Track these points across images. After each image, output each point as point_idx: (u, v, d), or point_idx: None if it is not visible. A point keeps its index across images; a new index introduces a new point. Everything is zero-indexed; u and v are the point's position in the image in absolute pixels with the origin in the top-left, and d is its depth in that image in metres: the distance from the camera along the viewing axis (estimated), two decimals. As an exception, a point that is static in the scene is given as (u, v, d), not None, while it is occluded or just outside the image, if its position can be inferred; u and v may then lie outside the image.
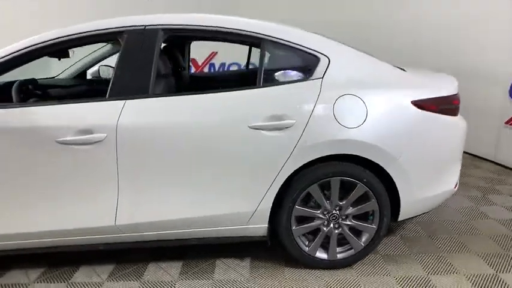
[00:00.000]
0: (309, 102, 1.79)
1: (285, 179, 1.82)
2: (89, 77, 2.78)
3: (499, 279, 1.90)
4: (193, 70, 5.74)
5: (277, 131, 1.76)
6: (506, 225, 2.43)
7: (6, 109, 1.72)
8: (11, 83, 2.13)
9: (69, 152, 1.70)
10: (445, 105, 1.93)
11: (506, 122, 3.47)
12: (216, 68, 5.95)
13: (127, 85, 1.75)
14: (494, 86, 3.54)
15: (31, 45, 1.74)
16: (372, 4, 4.77)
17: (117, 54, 1.82)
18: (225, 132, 1.76)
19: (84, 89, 2.60)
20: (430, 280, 1.90)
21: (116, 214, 1.81)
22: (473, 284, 1.87)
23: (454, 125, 1.97)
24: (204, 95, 1.80)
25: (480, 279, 1.90)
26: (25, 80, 2.19)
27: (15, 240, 1.82)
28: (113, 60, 2.05)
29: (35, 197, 1.76)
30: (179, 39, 2.69)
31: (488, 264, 2.02)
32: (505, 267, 1.99)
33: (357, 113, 1.80)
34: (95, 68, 2.70)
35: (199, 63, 5.89)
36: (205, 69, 5.96)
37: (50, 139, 1.68)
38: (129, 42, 1.79)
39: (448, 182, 2.03)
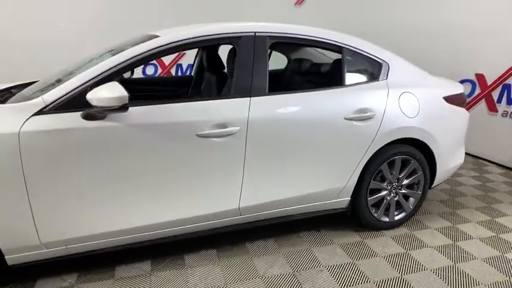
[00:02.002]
0: (383, 98, 2.30)
1: (367, 160, 2.29)
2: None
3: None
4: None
5: (363, 121, 2.22)
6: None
7: (149, 106, 1.80)
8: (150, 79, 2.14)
9: (207, 144, 1.88)
10: (460, 100, 2.65)
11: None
12: (184, 69, 5.98)
13: (249, 84, 2.00)
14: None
15: (166, 44, 1.87)
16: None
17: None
18: (327, 123, 2.15)
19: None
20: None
21: (239, 198, 2.04)
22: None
23: (464, 114, 2.70)
24: (307, 92, 2.16)
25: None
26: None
27: (156, 230, 1.94)
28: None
29: (175, 188, 1.89)
30: (278, 45, 2.83)
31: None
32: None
33: (413, 106, 2.38)
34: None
35: (166, 64, 5.88)
36: (172, 70, 5.97)
37: (191, 133, 1.84)
38: (243, 47, 2.03)
39: (460, 156, 2.77)
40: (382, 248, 2.32)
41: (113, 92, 1.59)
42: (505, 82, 3.85)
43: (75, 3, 4.77)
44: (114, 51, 2.34)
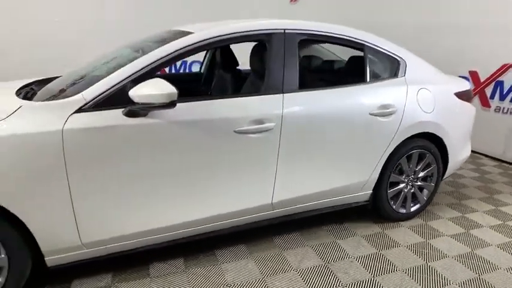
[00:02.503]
0: (403, 94, 2.38)
1: (389, 154, 2.38)
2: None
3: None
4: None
5: (386, 116, 2.30)
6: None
7: (189, 103, 1.79)
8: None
9: (243, 140, 1.90)
10: (468, 96, 2.78)
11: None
12: (177, 66, 5.90)
13: (281, 81, 2.03)
14: None
15: (203, 40, 1.87)
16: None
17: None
18: (354, 118, 2.21)
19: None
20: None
21: (273, 193, 2.07)
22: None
23: (471, 110, 2.83)
24: (334, 89, 2.21)
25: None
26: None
27: (192, 227, 1.94)
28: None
29: (213, 185, 1.90)
30: (305, 42, 2.83)
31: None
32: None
33: (429, 102, 2.48)
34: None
35: None
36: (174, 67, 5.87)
37: (229, 129, 1.85)
38: (274, 43, 2.06)
39: (468, 149, 2.91)
40: (403, 237, 2.42)
41: (161, 89, 1.58)
42: (497, 79, 4.06)
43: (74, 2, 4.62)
44: (136, 47, 2.33)
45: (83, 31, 4.61)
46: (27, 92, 1.97)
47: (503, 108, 4.04)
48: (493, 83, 4.12)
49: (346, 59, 2.75)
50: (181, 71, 5.67)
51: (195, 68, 5.43)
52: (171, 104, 1.61)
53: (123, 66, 1.74)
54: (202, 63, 3.40)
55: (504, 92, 4.03)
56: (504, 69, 3.99)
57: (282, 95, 2.01)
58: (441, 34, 4.52)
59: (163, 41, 1.96)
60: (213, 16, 5.46)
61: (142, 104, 1.60)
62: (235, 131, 1.87)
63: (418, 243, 2.36)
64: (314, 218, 2.51)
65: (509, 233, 2.52)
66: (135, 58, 1.79)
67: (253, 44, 2.31)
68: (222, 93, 2.63)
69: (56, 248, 1.66)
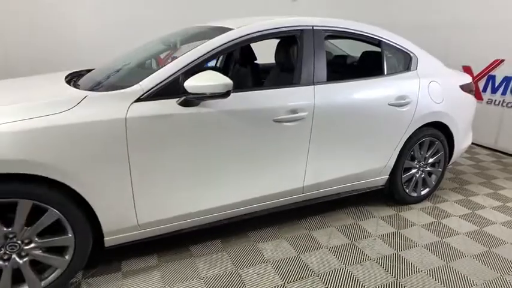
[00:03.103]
0: (416, 86, 2.59)
1: (404, 141, 2.59)
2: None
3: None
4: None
5: (402, 107, 2.50)
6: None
7: (235, 93, 1.92)
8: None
9: (280, 128, 2.05)
10: (470, 88, 3.02)
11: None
12: None
13: (312, 73, 2.19)
14: None
15: (246, 34, 2.01)
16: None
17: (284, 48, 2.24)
18: (375, 108, 2.40)
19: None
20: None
21: (304, 176, 2.24)
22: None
23: (473, 101, 3.07)
24: (357, 81, 2.39)
25: (490, 196, 3.11)
26: None
27: (234, 208, 2.10)
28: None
29: (254, 169, 2.05)
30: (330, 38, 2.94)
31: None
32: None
33: (439, 93, 2.70)
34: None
35: (161, 57, 5.84)
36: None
37: (269, 118, 2.01)
38: (305, 39, 2.22)
39: (470, 138, 3.16)
40: (417, 218, 2.64)
41: (217, 80, 1.71)
42: (489, 73, 4.35)
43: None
44: (169, 42, 2.47)
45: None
46: (74, 82, 2.07)
47: (495, 100, 4.35)
48: (486, 77, 4.41)
49: (348, 54, 2.95)
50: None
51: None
52: (226, 94, 1.75)
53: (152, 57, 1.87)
54: (217, 58, 3.53)
55: (496, 86, 4.32)
56: (495, 64, 4.29)
57: (313, 86, 2.18)
58: (436, 31, 4.78)
59: (197, 36, 2.14)
60: (212, 15, 5.58)
61: (198, 94, 1.73)
62: (274, 120, 2.02)
63: (431, 223, 2.58)
64: (334, 202, 2.70)
65: (510, 213, 2.78)
66: (165, 50, 1.90)
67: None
68: (243, 87, 2.78)
69: (115, 228, 1.78)
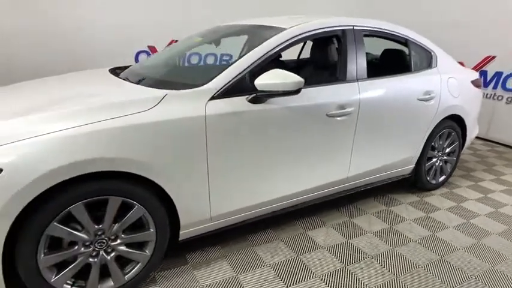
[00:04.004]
0: (438, 82, 2.81)
1: (429, 133, 2.80)
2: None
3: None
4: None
5: (428, 101, 2.71)
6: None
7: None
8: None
9: (332, 122, 2.19)
10: (479, 83, 3.29)
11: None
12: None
13: (355, 70, 2.34)
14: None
15: (299, 34, 2.12)
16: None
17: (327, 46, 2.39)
18: (407, 103, 2.59)
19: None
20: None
21: (349, 167, 2.40)
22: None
23: (480, 95, 3.35)
24: (391, 77, 2.56)
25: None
26: None
27: (292, 198, 2.22)
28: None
29: (310, 161, 2.17)
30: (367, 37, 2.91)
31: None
32: (496, 174, 3.58)
33: (456, 89, 2.94)
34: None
35: (158, 51, 5.83)
36: None
37: (323, 113, 2.13)
38: (348, 38, 2.36)
39: (477, 128, 3.44)
40: (440, 203, 2.87)
41: (289, 78, 1.81)
42: (482, 69, 4.71)
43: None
44: (211, 39, 2.55)
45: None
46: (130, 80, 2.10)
47: (487, 94, 4.71)
48: (478, 72, 4.76)
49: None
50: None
51: (210, 60, 5.56)
52: (297, 91, 1.86)
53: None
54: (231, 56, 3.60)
55: (487, 80, 4.69)
56: (487, 60, 4.64)
57: (357, 83, 2.33)
58: (431, 30, 5.08)
59: (241, 34, 2.21)
60: (213, 14, 5.63)
61: (269, 91, 1.83)
62: (327, 115, 2.16)
63: (453, 207, 2.83)
64: (362, 191, 2.88)
65: (516, 195, 3.10)
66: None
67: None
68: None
69: (191, 221, 1.85)
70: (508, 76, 4.48)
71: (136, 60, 5.51)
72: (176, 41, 5.77)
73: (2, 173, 1.32)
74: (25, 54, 4.31)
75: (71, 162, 1.42)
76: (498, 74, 4.55)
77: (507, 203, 2.93)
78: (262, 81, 1.82)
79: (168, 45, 5.30)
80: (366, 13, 5.72)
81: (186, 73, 2.15)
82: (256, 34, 2.33)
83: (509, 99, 4.51)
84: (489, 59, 4.61)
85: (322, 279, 1.92)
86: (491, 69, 4.62)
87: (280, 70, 1.86)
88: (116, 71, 2.42)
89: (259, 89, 1.83)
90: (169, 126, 1.65)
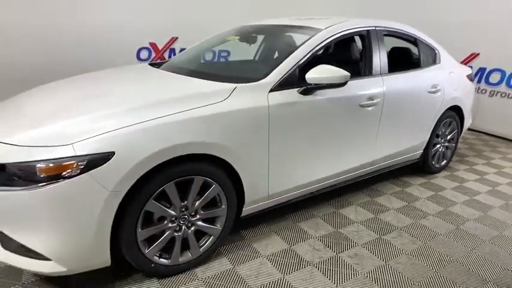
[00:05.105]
0: (442, 76, 3.19)
1: (436, 122, 3.17)
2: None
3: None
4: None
5: (435, 93, 3.07)
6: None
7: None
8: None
9: (363, 112, 2.49)
10: (471, 78, 3.70)
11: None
12: (177, 53, 6.11)
13: (379, 66, 2.65)
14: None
15: (337, 32, 2.42)
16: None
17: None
18: (420, 95, 2.94)
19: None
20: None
21: (375, 152, 2.71)
22: (486, 167, 3.80)
23: (473, 88, 3.77)
24: (406, 72, 2.90)
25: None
26: None
27: (329, 180, 2.50)
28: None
29: (347, 145, 2.47)
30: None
31: (480, 159, 4.02)
32: (486, 159, 4.04)
33: (456, 82, 3.33)
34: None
35: (160, 48, 5.97)
36: (166, 55, 6.06)
37: (357, 103, 2.43)
38: (372, 37, 2.66)
39: (471, 118, 3.86)
40: (445, 184, 3.26)
41: (337, 72, 2.08)
42: (467, 65, 5.18)
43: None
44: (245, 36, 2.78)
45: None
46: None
47: (472, 88, 5.19)
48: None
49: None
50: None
51: (208, 57, 5.76)
52: (344, 84, 2.13)
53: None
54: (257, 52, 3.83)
55: (472, 75, 5.17)
56: (472, 57, 5.13)
57: (381, 77, 2.64)
58: (422, 29, 5.52)
59: (280, 32, 2.51)
60: (214, 11, 5.82)
61: (318, 84, 2.09)
62: (360, 105, 2.45)
63: (457, 187, 3.22)
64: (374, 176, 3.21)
65: (508, 176, 3.53)
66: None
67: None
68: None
69: (252, 199, 2.08)
70: (490, 71, 4.98)
71: (138, 56, 5.64)
72: (177, 38, 5.99)
73: (115, 155, 1.52)
74: (25, 53, 4.36)
75: (170, 145, 1.63)
76: (482, 70, 5.04)
77: (501, 182, 3.36)
78: (313, 75, 2.08)
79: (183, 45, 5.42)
80: (356, 13, 6.09)
81: (239, 68, 2.37)
82: (292, 33, 2.59)
83: (492, 93, 5.02)
84: (474, 56, 5.09)
85: (364, 247, 2.22)
86: (475, 65, 5.10)
87: (327, 65, 2.13)
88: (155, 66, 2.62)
89: (309, 82, 2.09)
90: (241, 114, 1.88)
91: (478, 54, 5.05)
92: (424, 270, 2.04)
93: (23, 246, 1.56)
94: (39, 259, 1.56)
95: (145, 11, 5.29)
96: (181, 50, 6.04)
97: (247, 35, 2.93)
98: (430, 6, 5.45)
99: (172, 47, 5.98)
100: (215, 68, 2.53)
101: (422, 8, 5.53)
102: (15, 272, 1.86)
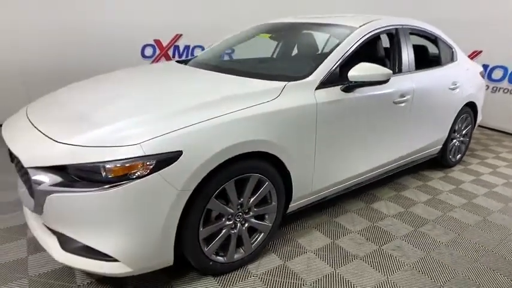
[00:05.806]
0: (459, 73, 3.29)
1: (454, 117, 3.27)
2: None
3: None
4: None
5: (454, 90, 3.17)
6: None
7: None
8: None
9: (396, 108, 2.55)
10: (483, 75, 3.83)
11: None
12: (181, 50, 6.08)
13: (408, 63, 2.71)
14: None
15: (373, 30, 2.48)
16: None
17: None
18: (443, 91, 3.03)
19: None
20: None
21: (404, 147, 2.79)
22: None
23: (484, 84, 3.90)
24: (430, 70, 2.98)
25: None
26: None
27: (365, 175, 2.56)
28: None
29: (384, 140, 2.54)
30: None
31: (488, 153, 4.17)
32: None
33: (471, 79, 3.44)
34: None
35: (164, 45, 5.92)
36: (170, 52, 6.02)
37: (391, 100, 2.49)
38: (400, 36, 2.72)
39: (481, 113, 3.99)
40: (463, 177, 3.37)
41: (380, 70, 2.12)
42: (469, 62, 5.34)
43: None
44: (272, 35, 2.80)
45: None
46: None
47: (474, 84, 5.35)
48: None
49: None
50: (183, 56, 5.88)
51: (197, 52, 5.75)
52: (386, 81, 2.18)
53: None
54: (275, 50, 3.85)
55: (484, 72, 5.32)
56: (475, 54, 5.28)
57: (410, 74, 2.71)
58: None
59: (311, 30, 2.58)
60: (215, 8, 5.80)
61: (361, 82, 2.13)
62: (393, 102, 2.51)
63: (475, 179, 3.33)
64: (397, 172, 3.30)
65: (518, 169, 3.69)
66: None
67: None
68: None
69: (298, 195, 2.12)
70: (493, 68, 5.15)
71: (142, 53, 5.58)
72: (181, 35, 5.94)
73: (183, 154, 1.52)
74: (31, 52, 4.28)
75: (235, 143, 1.64)
76: (485, 67, 5.19)
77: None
78: (356, 73, 2.12)
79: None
80: (356, 10, 6.16)
81: (280, 66, 2.41)
82: (324, 32, 2.62)
83: (495, 89, 5.19)
84: (477, 53, 5.25)
85: (403, 240, 2.28)
86: (478, 62, 5.24)
87: (368, 63, 2.17)
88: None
89: (351, 80, 2.13)
90: (293, 112, 1.91)
91: (480, 52, 5.21)
92: (464, 260, 2.12)
93: (87, 247, 1.55)
94: (106, 260, 1.55)
95: (150, 8, 5.24)
96: (186, 47, 6.03)
97: (278, 33, 2.95)
98: (433, 4, 5.58)
99: (176, 44, 5.94)
100: (256, 67, 2.52)
101: (425, 6, 5.66)
102: (68, 273, 1.84)
